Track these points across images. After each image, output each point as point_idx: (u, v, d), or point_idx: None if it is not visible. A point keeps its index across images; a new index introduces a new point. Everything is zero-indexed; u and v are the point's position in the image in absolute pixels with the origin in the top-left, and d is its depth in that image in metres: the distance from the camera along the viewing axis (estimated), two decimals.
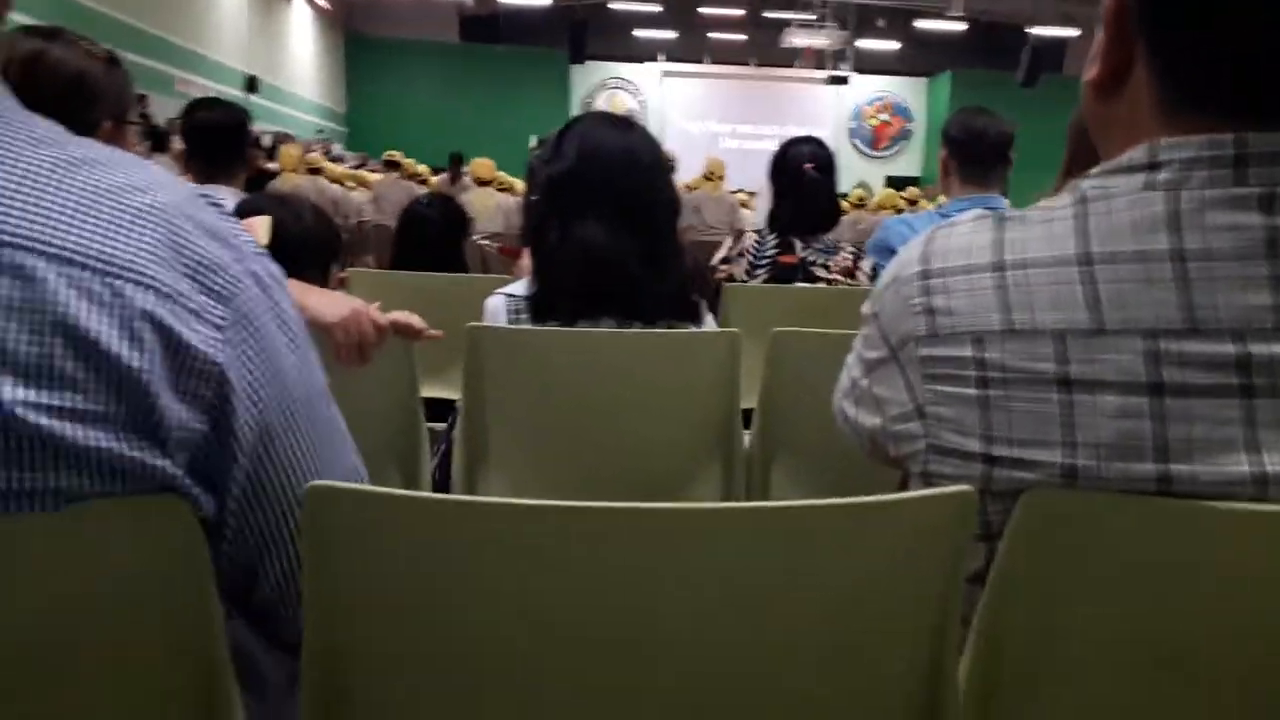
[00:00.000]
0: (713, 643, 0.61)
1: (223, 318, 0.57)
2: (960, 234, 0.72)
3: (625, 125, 1.50)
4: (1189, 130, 0.64)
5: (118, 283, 0.53)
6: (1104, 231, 0.65)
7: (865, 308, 0.80)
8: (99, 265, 0.53)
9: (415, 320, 1.37)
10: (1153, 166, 0.65)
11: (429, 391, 1.60)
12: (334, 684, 0.61)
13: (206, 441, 0.57)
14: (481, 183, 6.91)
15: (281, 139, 11.04)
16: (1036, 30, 15.62)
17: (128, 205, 0.55)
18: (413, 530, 0.57)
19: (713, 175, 7.61)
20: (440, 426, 1.67)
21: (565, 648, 0.60)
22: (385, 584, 0.60)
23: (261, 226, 1.39)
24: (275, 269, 0.64)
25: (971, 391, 0.68)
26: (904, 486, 0.87)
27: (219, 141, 2.35)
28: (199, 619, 0.59)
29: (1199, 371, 0.62)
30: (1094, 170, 0.69)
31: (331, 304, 1.30)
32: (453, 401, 1.55)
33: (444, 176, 9.29)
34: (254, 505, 0.61)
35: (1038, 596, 0.66)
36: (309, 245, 1.60)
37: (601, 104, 18.93)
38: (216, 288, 0.57)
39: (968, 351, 0.68)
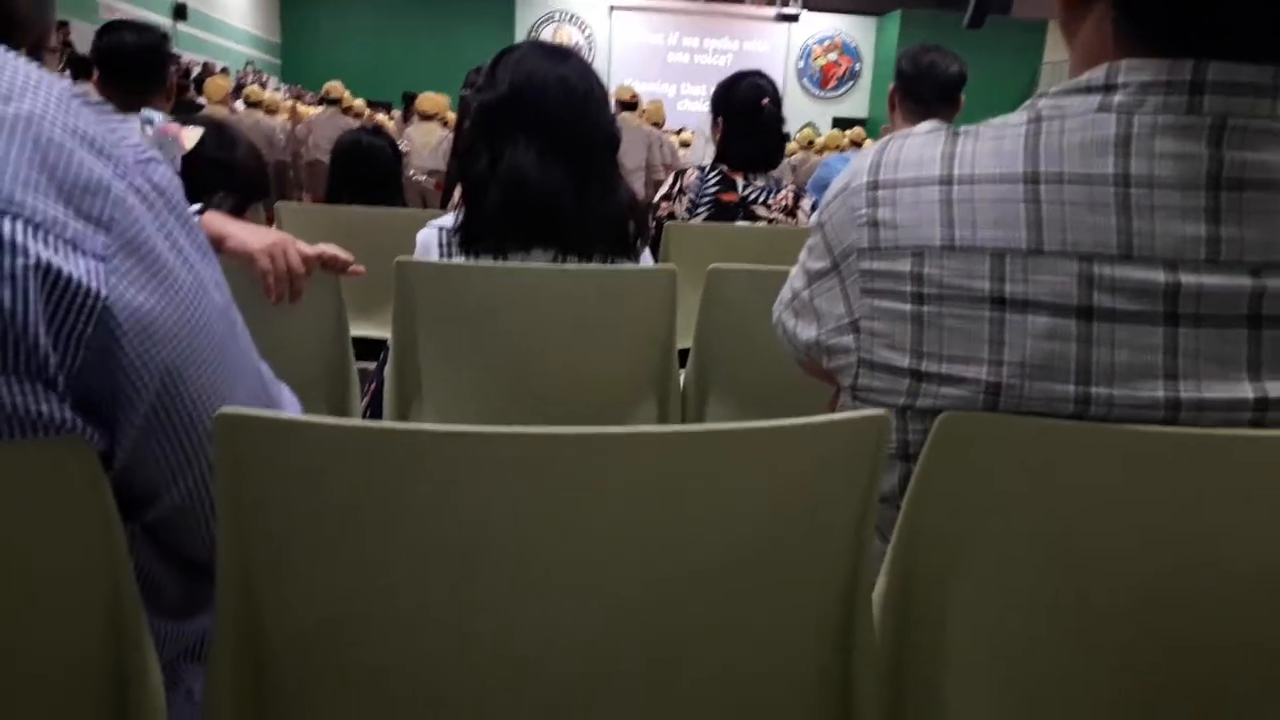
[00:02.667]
0: (636, 565, 0.61)
1: (105, 245, 0.52)
2: (913, 145, 0.72)
3: (561, 55, 1.46)
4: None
5: None
6: (1053, 151, 0.65)
7: (814, 218, 0.80)
8: None
9: (341, 252, 1.34)
10: (1109, 88, 0.65)
11: (360, 330, 1.57)
12: (250, 615, 0.60)
13: (91, 379, 0.53)
14: (425, 117, 6.58)
15: (208, 70, 10.57)
16: None
17: None
18: (324, 457, 0.56)
19: (630, 103, 6.55)
20: (371, 365, 1.64)
21: (487, 574, 0.60)
22: (299, 511, 0.58)
23: (191, 135, 1.34)
24: (164, 175, 0.58)
25: (906, 307, 0.68)
26: (834, 404, 0.88)
27: (134, 67, 2.23)
28: (105, 554, 0.57)
29: (1128, 298, 0.63)
30: (1053, 89, 0.69)
31: (255, 233, 1.26)
32: (385, 341, 1.52)
33: (398, 115, 8.97)
34: (153, 435, 0.58)
35: (952, 517, 0.68)
36: (235, 175, 1.56)
37: (546, 38, 18.49)
38: (96, 212, 0.52)
39: (906, 266, 0.68)
